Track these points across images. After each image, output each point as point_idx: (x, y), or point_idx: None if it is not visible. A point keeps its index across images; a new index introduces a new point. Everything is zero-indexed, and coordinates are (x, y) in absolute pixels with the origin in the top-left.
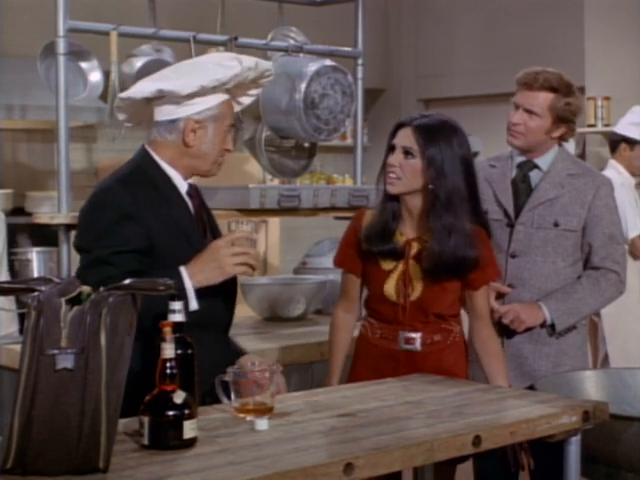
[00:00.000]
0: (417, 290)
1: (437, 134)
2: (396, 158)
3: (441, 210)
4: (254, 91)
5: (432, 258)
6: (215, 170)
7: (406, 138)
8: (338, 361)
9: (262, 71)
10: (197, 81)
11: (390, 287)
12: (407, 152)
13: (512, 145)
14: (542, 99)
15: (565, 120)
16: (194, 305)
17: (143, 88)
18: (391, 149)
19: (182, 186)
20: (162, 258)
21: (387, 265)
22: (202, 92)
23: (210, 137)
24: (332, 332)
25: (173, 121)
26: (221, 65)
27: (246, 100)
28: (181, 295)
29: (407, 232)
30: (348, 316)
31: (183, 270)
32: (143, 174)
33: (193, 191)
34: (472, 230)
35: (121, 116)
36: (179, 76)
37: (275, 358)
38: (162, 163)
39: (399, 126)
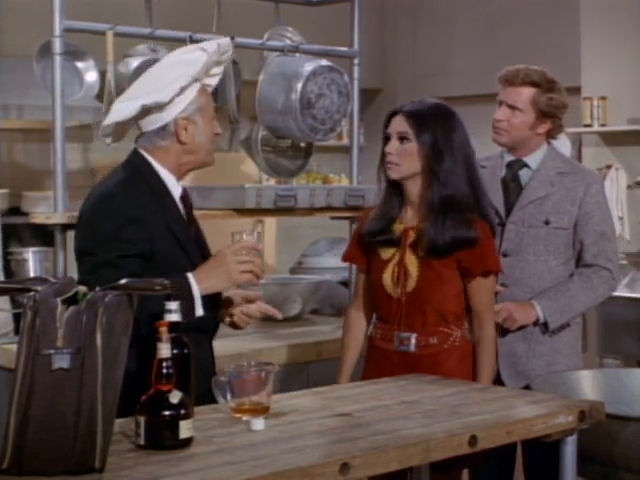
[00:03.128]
0: (413, 280)
1: (429, 116)
2: (392, 145)
3: (440, 187)
4: (218, 69)
5: (428, 236)
6: (211, 160)
7: (399, 124)
8: (348, 361)
9: (224, 50)
10: (175, 84)
11: (387, 277)
12: (402, 138)
13: (497, 142)
14: (524, 94)
15: (549, 115)
16: (200, 312)
17: (126, 109)
18: (387, 139)
19: (176, 191)
20: (160, 264)
21: (386, 254)
22: (182, 92)
23: (201, 128)
24: (343, 331)
25: (163, 127)
26: (190, 61)
27: (214, 81)
28: (188, 302)
29: (406, 220)
30: (360, 315)
31: (190, 276)
32: (141, 178)
33: (185, 195)
34: (472, 216)
35: (108, 140)
36: (155, 86)
37: (271, 358)
38: (157, 167)
39: (391, 115)
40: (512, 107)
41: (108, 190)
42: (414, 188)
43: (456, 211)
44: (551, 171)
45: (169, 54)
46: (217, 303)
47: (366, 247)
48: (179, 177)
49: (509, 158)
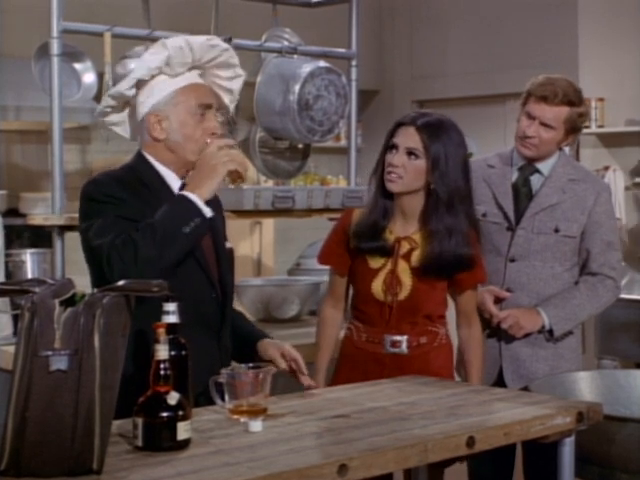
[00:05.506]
0: (406, 289)
1: (441, 134)
2: (399, 159)
3: (442, 211)
4: (228, 72)
5: (431, 259)
6: None
7: (409, 138)
8: (325, 358)
9: (204, 48)
10: (133, 76)
11: (377, 285)
12: (411, 153)
13: (523, 155)
14: (560, 113)
15: (576, 130)
16: (208, 212)
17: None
18: (391, 148)
19: (175, 185)
20: None
21: (375, 263)
22: (141, 84)
23: (175, 125)
24: (320, 328)
25: (141, 121)
26: (150, 53)
27: (231, 84)
28: (191, 207)
29: (397, 231)
30: (335, 313)
31: (183, 192)
32: (134, 174)
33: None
34: (469, 232)
35: (119, 130)
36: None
37: None
38: (155, 163)
39: (399, 125)
40: (545, 125)
41: (96, 177)
42: (411, 202)
43: (458, 232)
44: (562, 177)
45: None
46: (222, 297)
47: (350, 251)
48: (178, 174)
49: (520, 162)
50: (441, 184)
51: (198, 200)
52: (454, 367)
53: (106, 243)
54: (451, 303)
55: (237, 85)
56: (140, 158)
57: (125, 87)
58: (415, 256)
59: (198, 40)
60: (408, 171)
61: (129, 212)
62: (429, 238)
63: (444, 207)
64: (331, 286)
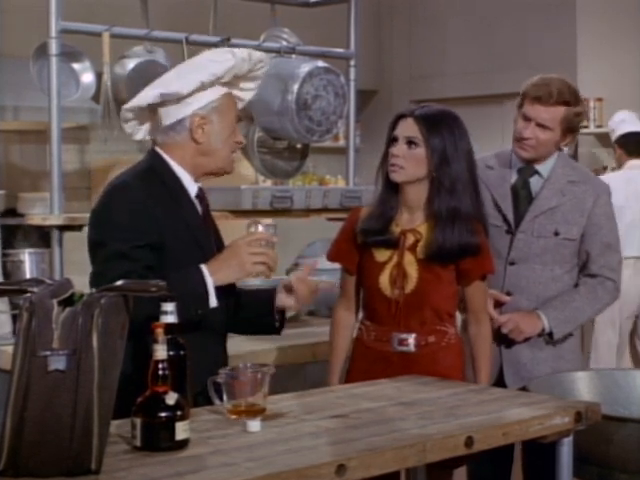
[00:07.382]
0: (412, 282)
1: (439, 122)
2: (399, 149)
3: (445, 196)
4: (252, 84)
5: (435, 245)
6: (229, 167)
7: (408, 128)
8: (338, 359)
9: (256, 61)
10: (196, 78)
11: (384, 279)
12: (411, 142)
13: (521, 157)
14: (556, 114)
15: (573, 130)
16: (213, 302)
17: (146, 95)
18: (393, 140)
19: (192, 189)
20: (171, 257)
21: (381, 256)
22: (202, 88)
23: (217, 130)
24: (332, 330)
25: (180, 121)
26: (216, 60)
27: (246, 95)
28: (202, 292)
29: (403, 223)
30: (348, 314)
31: (204, 268)
32: (155, 174)
33: (201, 194)
34: (474, 221)
35: (128, 128)
36: (178, 78)
37: (268, 359)
38: (173, 164)
39: (399, 117)
40: (542, 126)
41: (121, 181)
42: (415, 192)
43: (462, 218)
44: (562, 179)
45: (201, 53)
46: (231, 294)
47: (357, 247)
48: (196, 177)
49: (519, 164)
50: (442, 171)
51: (212, 288)
52: (464, 367)
53: (108, 277)
54: None
55: (250, 97)
56: (157, 157)
57: (188, 89)
58: (420, 247)
59: (258, 54)
60: (409, 160)
61: (148, 230)
62: (433, 227)
63: (446, 191)
64: (342, 286)
